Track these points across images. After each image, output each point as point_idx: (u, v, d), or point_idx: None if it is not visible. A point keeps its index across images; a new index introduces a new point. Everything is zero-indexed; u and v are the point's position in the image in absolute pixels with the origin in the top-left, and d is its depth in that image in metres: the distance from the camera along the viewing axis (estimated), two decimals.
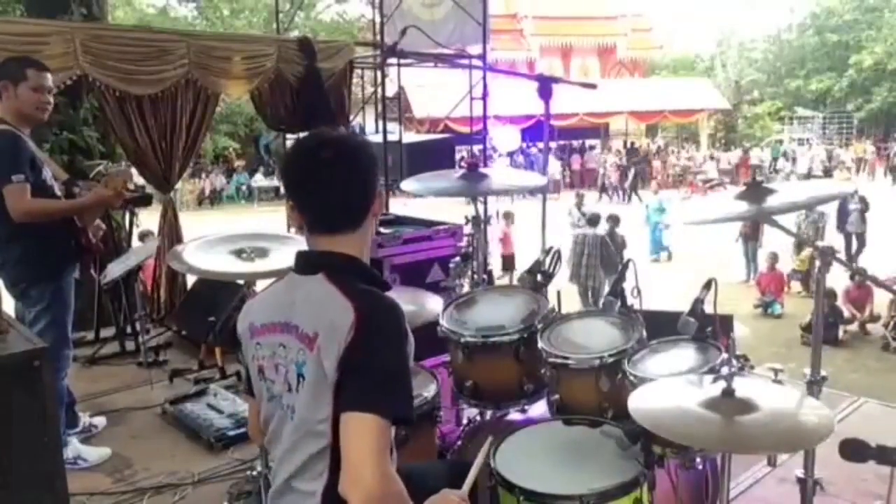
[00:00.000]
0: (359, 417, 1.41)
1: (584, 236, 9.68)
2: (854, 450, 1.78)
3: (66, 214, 3.29)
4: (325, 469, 1.54)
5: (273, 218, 12.46)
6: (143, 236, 6.83)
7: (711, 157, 26.25)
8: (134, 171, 5.35)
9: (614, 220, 10.64)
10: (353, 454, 1.40)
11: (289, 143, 7.47)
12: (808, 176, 24.68)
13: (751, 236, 11.85)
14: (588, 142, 26.95)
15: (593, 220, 10.06)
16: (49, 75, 3.24)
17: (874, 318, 9.41)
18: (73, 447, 3.37)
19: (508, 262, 11.30)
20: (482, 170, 3.08)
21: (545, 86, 3.03)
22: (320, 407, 1.52)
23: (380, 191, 1.72)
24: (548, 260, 2.89)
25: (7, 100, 3.11)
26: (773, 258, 10.85)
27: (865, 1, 32.61)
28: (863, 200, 12.19)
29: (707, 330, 2.33)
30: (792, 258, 11.30)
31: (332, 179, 1.61)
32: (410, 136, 8.38)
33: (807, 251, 10.68)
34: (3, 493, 1.88)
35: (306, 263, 1.67)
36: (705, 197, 20.75)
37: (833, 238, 11.71)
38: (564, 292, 3.06)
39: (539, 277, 2.83)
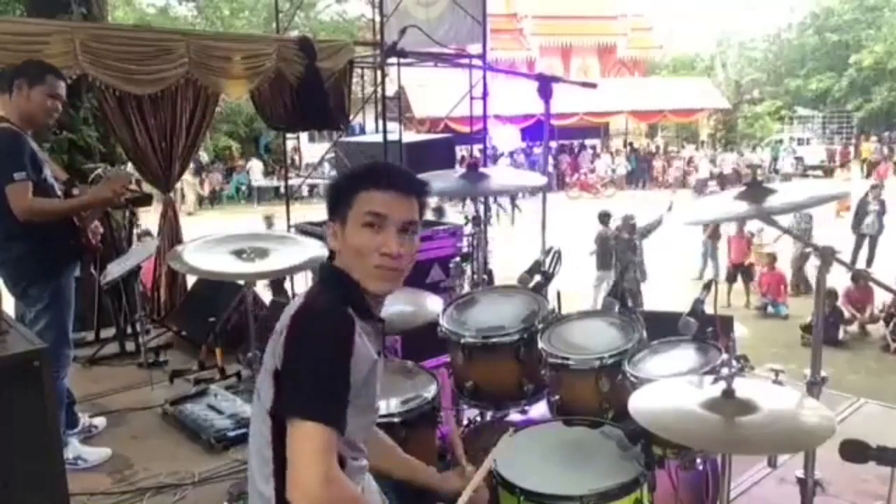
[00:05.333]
0: (297, 424, 1.42)
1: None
2: (854, 450, 1.77)
3: (67, 214, 3.29)
4: (271, 473, 1.56)
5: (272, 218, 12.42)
6: (143, 236, 6.83)
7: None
8: (131, 168, 5.36)
9: (626, 219, 10.12)
10: (294, 459, 1.42)
11: (289, 144, 7.47)
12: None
13: (713, 235, 11.76)
14: (588, 142, 26.94)
15: (601, 218, 10.32)
16: (64, 84, 3.27)
17: (874, 319, 9.40)
18: (73, 447, 3.36)
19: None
20: (482, 170, 3.08)
21: (545, 85, 3.02)
22: (267, 394, 1.56)
23: (349, 202, 1.61)
24: (548, 260, 2.89)
25: (16, 98, 3.12)
26: (772, 258, 10.81)
27: (865, 0, 32.60)
28: (881, 203, 11.94)
29: (707, 331, 2.33)
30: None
31: None
32: (410, 136, 8.37)
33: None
34: (3, 493, 1.88)
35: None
36: (598, 197, 20.97)
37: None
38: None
39: (539, 278, 2.83)
